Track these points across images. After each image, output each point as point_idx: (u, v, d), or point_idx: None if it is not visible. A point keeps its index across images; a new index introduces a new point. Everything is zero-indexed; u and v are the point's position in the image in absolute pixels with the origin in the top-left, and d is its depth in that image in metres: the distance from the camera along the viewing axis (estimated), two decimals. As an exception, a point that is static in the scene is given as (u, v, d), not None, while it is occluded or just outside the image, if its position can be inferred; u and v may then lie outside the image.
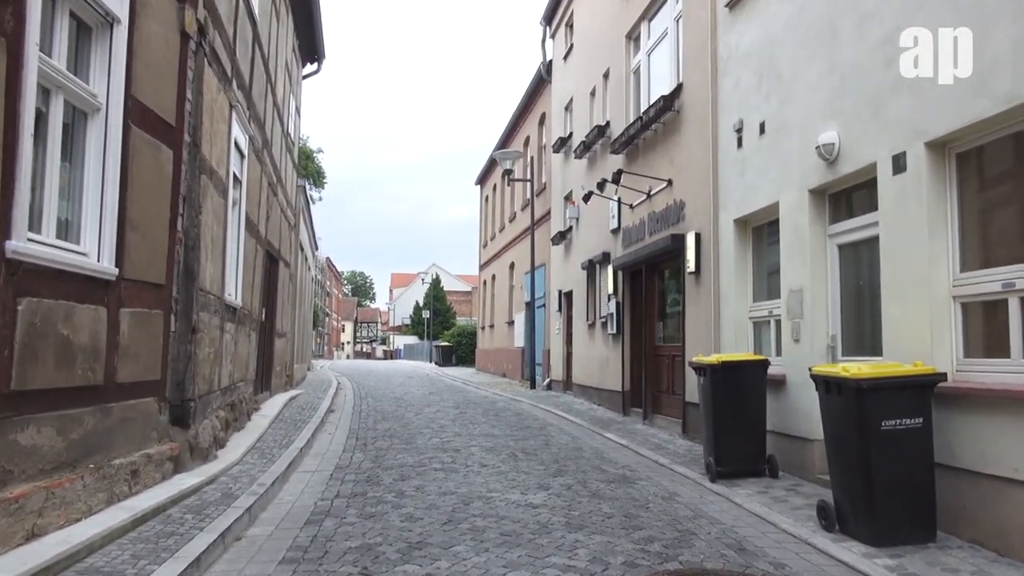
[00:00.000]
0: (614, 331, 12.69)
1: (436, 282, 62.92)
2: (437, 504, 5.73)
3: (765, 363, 7.00)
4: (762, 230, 8.24)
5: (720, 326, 8.71)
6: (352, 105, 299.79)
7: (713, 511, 5.76)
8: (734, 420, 6.87)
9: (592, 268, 14.45)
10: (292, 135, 14.98)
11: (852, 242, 6.50)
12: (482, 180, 31.54)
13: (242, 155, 8.71)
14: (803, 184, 6.90)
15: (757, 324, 8.24)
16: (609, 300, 13.07)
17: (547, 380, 18.59)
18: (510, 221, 25.06)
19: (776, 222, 7.56)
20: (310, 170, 34.00)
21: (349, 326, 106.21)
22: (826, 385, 5.14)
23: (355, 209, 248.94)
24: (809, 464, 6.73)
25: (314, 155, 34.61)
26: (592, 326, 14.49)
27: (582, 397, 15.19)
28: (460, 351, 38.05)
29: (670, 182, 10.38)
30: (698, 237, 9.32)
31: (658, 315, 11.43)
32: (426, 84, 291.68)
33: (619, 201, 12.59)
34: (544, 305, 19.66)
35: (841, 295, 6.68)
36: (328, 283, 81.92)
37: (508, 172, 18.90)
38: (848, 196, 6.63)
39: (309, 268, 22.11)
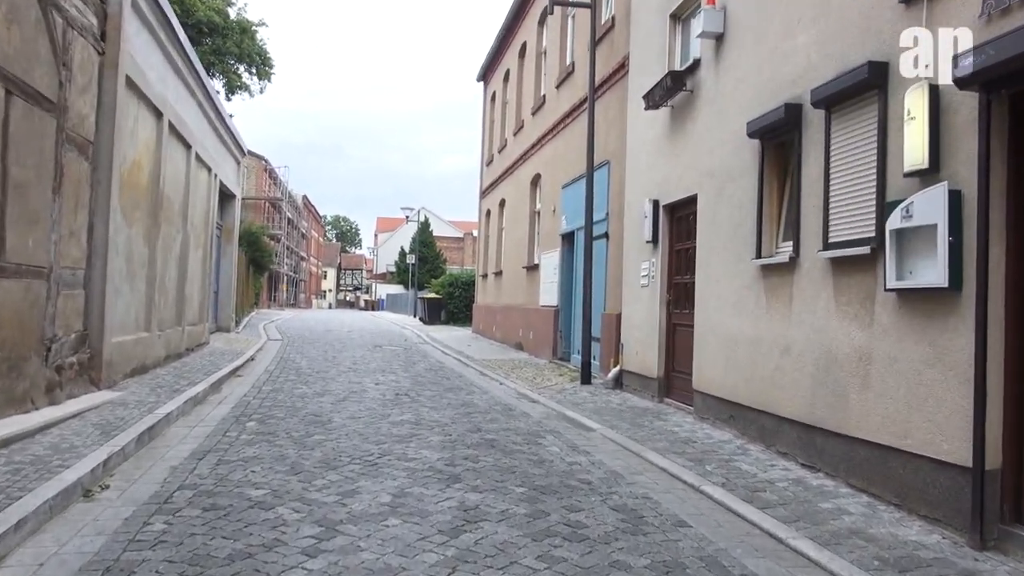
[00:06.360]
0: (939, 279, 4.24)
1: (425, 225, 53.85)
2: None
3: None
4: None
5: None
6: (350, 50, 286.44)
7: None
8: None
9: (783, 130, 5.92)
10: None
11: None
12: (488, 71, 22.59)
13: None
14: None
15: None
16: (906, 199, 4.60)
17: (615, 370, 10.17)
18: (533, 113, 16.35)
19: None
20: (247, 48, 24.87)
21: (332, 272, 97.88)
22: None
23: (351, 157, 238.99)
24: None
25: (253, 29, 25.17)
26: (785, 270, 6.03)
27: (729, 430, 6.85)
28: (452, 305, 29.48)
29: None
30: None
31: None
32: (426, 28, 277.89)
33: None
34: (606, 234, 11.13)
35: None
36: (306, 224, 72.86)
37: (551, -11, 10.19)
38: None
39: (208, 167, 13.13)
